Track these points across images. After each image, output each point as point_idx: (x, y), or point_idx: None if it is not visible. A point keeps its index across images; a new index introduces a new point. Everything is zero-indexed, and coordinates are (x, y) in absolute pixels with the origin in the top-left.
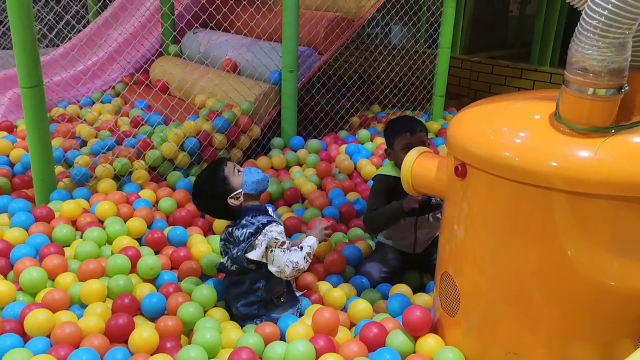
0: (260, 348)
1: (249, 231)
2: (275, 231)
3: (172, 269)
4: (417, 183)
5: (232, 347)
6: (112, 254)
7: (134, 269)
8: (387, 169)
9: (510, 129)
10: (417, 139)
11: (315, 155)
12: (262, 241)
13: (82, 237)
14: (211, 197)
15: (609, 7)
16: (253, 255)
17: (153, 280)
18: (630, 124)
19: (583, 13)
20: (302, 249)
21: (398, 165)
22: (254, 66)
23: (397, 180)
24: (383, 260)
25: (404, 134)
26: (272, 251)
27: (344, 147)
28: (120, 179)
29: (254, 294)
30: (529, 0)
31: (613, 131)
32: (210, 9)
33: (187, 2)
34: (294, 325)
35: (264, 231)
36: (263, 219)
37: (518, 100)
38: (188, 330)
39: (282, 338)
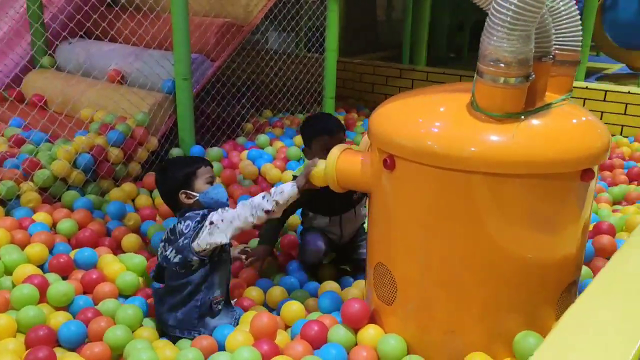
0: None
1: (194, 220)
2: (217, 214)
3: (84, 293)
4: (343, 179)
5: None
6: (14, 285)
7: (42, 298)
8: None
9: (433, 119)
10: (335, 139)
11: (218, 163)
12: (205, 226)
13: None
14: (169, 178)
15: (515, 1)
16: (197, 244)
17: (66, 308)
18: (536, 108)
19: (492, 9)
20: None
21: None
22: (146, 75)
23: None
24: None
25: (323, 136)
26: (212, 231)
27: (245, 152)
28: (7, 203)
29: (193, 299)
30: (393, 6)
31: (523, 117)
32: (91, 18)
33: (56, 12)
34: (232, 334)
35: (206, 218)
36: (205, 211)
37: (433, 93)
38: (117, 356)
39: (220, 349)
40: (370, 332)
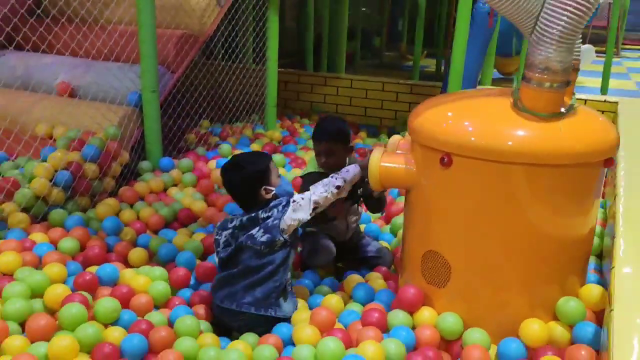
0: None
1: (281, 205)
2: (297, 195)
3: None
4: (386, 179)
5: None
6: (45, 306)
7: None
8: (312, 167)
9: (486, 119)
10: (321, 147)
11: (192, 174)
12: (289, 203)
13: None
14: (247, 176)
15: (564, 19)
16: (284, 221)
17: (113, 323)
18: (568, 107)
19: (540, 25)
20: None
21: (318, 163)
22: (105, 89)
23: (324, 176)
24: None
25: (313, 140)
26: (295, 208)
27: (213, 162)
28: None
29: (272, 279)
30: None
31: (564, 116)
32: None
33: None
34: (300, 329)
35: (290, 200)
36: (287, 197)
37: (468, 97)
38: None
39: (286, 344)
40: (425, 313)
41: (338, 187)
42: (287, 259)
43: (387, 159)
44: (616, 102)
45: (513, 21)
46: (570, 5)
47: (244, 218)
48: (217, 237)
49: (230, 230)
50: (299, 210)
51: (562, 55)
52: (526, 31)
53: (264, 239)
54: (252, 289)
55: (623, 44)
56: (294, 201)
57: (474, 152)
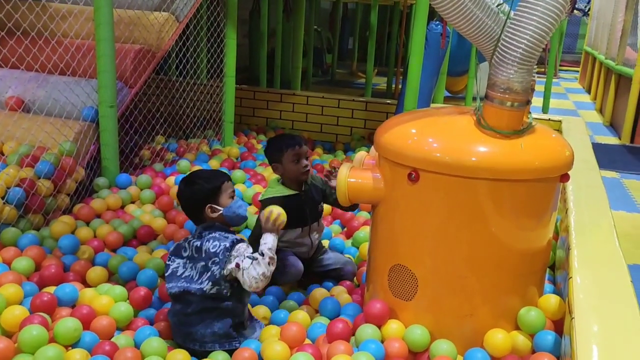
0: None
1: (223, 244)
2: (248, 251)
3: None
4: (354, 194)
5: None
6: (3, 329)
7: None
8: (272, 190)
9: (452, 136)
10: (303, 150)
11: (150, 191)
12: (234, 257)
13: None
14: (195, 192)
15: (524, 42)
16: (226, 272)
17: (72, 346)
18: (527, 126)
19: (501, 48)
20: (262, 254)
21: (287, 176)
22: (61, 104)
23: (285, 198)
24: (287, 260)
25: (293, 148)
26: (242, 273)
27: (172, 178)
28: None
29: (229, 316)
30: None
31: (524, 134)
32: None
33: None
34: (269, 345)
35: (236, 247)
36: (236, 237)
37: (434, 115)
38: None
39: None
40: (393, 326)
41: (271, 259)
42: (241, 296)
43: (354, 175)
44: (559, 121)
45: (474, 43)
46: (530, 30)
47: (193, 247)
48: (168, 262)
49: (183, 261)
50: (243, 275)
51: (522, 76)
52: (487, 53)
53: (213, 290)
54: (210, 327)
55: (560, 65)
56: (237, 265)
57: (440, 168)
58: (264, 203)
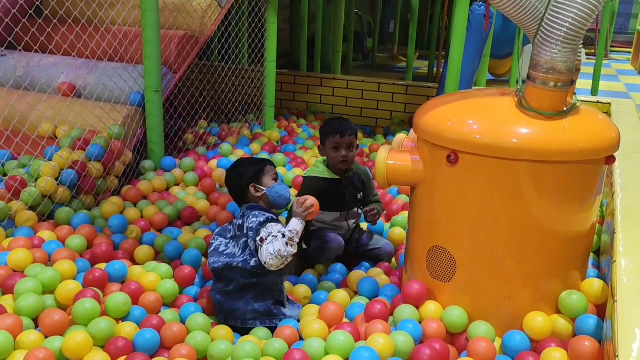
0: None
1: (258, 220)
2: (275, 229)
3: None
4: (392, 176)
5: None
6: (58, 302)
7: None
8: (316, 170)
9: (492, 118)
10: (345, 140)
11: (194, 173)
12: (263, 232)
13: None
14: (240, 173)
15: (569, 20)
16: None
17: (124, 319)
18: (571, 107)
19: (545, 25)
20: (283, 235)
21: (328, 160)
22: (110, 89)
23: (326, 180)
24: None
25: (334, 135)
26: (261, 246)
27: (215, 161)
28: None
29: (269, 293)
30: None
31: (567, 114)
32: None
33: None
34: (308, 323)
35: (269, 224)
36: (272, 215)
37: (474, 96)
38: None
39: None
40: (431, 307)
41: (290, 240)
42: (280, 272)
43: (393, 157)
44: (609, 103)
45: (517, 23)
46: (575, 7)
47: (236, 226)
48: (212, 241)
49: (226, 240)
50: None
51: (566, 56)
52: (530, 33)
53: (253, 262)
54: (251, 304)
55: (612, 46)
56: (262, 239)
57: (480, 150)
58: (305, 180)
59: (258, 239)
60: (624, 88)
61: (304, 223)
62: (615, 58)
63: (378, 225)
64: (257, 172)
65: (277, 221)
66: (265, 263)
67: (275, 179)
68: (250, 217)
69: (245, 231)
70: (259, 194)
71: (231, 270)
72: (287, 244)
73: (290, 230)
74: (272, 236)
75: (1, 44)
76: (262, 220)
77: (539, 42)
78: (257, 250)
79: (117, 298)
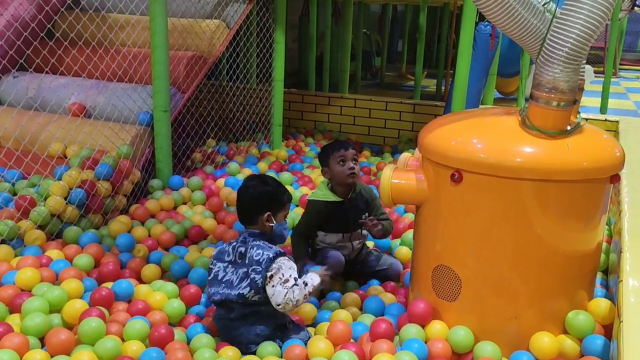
0: None
1: (267, 254)
2: (287, 266)
3: None
4: (397, 195)
5: None
6: (64, 321)
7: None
8: (319, 193)
9: (496, 137)
10: (350, 153)
11: (201, 192)
12: (272, 269)
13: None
14: (265, 192)
15: (570, 41)
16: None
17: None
18: (575, 126)
19: (547, 46)
20: (305, 284)
21: (335, 180)
22: (119, 109)
23: (330, 204)
24: (328, 253)
25: (339, 150)
26: (273, 285)
27: (222, 180)
28: (8, 243)
29: (271, 318)
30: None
31: (570, 133)
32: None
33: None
34: (314, 342)
35: (277, 260)
36: (280, 249)
37: (478, 115)
38: None
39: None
40: (436, 327)
41: (309, 293)
42: None
43: (397, 176)
44: (617, 121)
45: (519, 43)
46: (576, 28)
47: (237, 252)
48: (211, 266)
49: (224, 265)
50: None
51: (568, 75)
52: (533, 52)
53: (255, 298)
54: (254, 329)
55: (620, 64)
56: (274, 285)
57: (484, 169)
58: (309, 203)
59: (268, 275)
60: (633, 106)
61: (320, 285)
62: (624, 76)
63: (385, 241)
64: (280, 205)
65: (286, 256)
66: (277, 304)
67: (285, 217)
68: (256, 248)
69: (247, 261)
70: (268, 224)
71: (231, 302)
72: (305, 296)
73: (312, 285)
74: (294, 285)
75: (13, 65)
76: (271, 255)
77: (541, 62)
78: (263, 285)
79: (136, 325)
